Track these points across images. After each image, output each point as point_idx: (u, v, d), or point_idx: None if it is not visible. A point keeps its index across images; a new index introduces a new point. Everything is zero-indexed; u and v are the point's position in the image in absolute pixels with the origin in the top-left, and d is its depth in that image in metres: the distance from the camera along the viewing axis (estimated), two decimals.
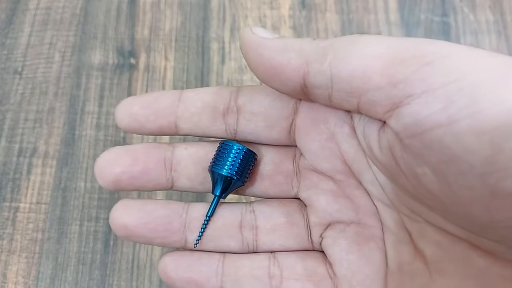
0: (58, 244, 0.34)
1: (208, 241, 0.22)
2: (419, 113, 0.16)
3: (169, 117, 0.21)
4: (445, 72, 0.16)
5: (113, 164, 0.21)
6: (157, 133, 0.22)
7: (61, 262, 0.33)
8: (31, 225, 0.34)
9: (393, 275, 0.20)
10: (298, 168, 0.22)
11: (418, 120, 0.16)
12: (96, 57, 0.39)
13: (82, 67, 0.39)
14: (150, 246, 0.33)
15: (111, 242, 0.33)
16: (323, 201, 0.22)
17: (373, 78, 0.17)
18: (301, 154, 0.22)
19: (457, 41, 0.40)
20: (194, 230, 0.22)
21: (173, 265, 0.21)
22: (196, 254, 0.22)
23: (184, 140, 0.36)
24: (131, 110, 0.21)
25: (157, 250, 0.33)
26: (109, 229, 0.34)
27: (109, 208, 0.34)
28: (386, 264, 0.20)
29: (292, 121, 0.21)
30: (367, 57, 0.17)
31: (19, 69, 0.39)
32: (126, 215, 0.21)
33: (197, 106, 0.21)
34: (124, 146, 0.22)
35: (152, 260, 0.33)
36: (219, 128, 0.22)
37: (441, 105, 0.15)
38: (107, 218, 0.34)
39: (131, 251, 0.33)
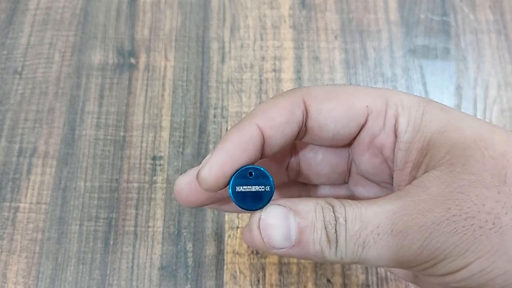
0: (58, 244, 0.34)
1: None
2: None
3: (254, 159, 0.21)
4: None
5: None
6: None
7: (61, 262, 0.33)
8: (31, 225, 0.34)
9: None
10: (349, 170, 0.25)
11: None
12: (96, 57, 0.39)
13: (82, 67, 0.39)
14: (150, 245, 0.33)
15: (111, 242, 0.33)
16: (365, 194, 0.25)
17: None
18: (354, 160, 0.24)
19: (457, 40, 0.40)
20: None
21: None
22: None
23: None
24: (221, 169, 0.20)
25: (156, 249, 0.33)
26: (109, 228, 0.34)
27: (109, 208, 0.34)
28: None
29: (352, 143, 0.23)
30: None
31: (19, 69, 0.39)
32: None
33: (280, 142, 0.21)
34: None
35: (152, 260, 0.33)
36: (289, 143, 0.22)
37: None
38: (107, 218, 0.34)
39: (131, 250, 0.33)
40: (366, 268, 0.33)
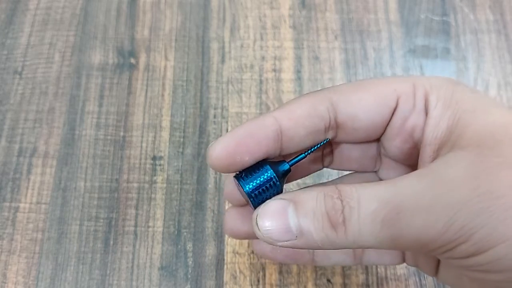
0: (58, 244, 0.34)
1: None
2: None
3: (271, 153, 0.21)
4: None
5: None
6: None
7: (61, 262, 0.33)
8: (31, 225, 0.34)
9: None
10: (380, 155, 0.24)
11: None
12: (96, 57, 0.39)
13: (82, 67, 0.39)
14: (150, 245, 0.33)
15: (111, 242, 0.33)
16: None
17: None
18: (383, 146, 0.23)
19: (457, 40, 0.40)
20: None
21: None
22: None
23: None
24: (227, 150, 0.21)
25: (156, 249, 0.33)
26: (109, 228, 0.34)
27: (109, 208, 0.34)
28: None
29: (384, 131, 0.22)
30: None
31: (19, 69, 0.39)
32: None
33: (300, 135, 0.21)
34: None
35: (152, 260, 0.33)
36: (317, 142, 0.22)
37: None
38: (107, 218, 0.34)
39: (131, 250, 0.33)
40: (366, 268, 0.33)
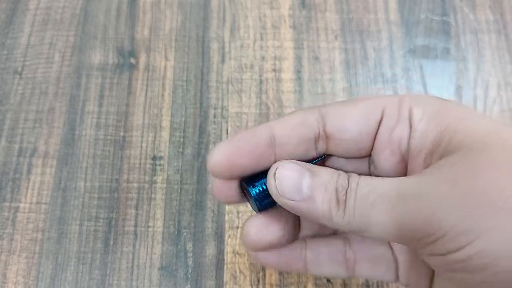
0: (58, 244, 0.34)
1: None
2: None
3: (266, 158, 0.23)
4: None
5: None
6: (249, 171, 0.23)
7: (61, 262, 0.33)
8: (31, 225, 0.34)
9: None
10: (370, 173, 0.25)
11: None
12: (96, 57, 0.39)
13: (82, 67, 0.39)
14: (150, 245, 0.33)
15: (111, 242, 0.33)
16: None
17: None
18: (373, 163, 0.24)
19: (457, 40, 0.40)
20: None
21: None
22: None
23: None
24: (224, 157, 0.22)
25: (156, 249, 0.33)
26: (109, 228, 0.34)
27: (109, 208, 0.34)
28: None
29: (373, 144, 0.23)
30: None
31: (19, 69, 0.39)
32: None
33: (293, 144, 0.23)
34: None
35: (152, 260, 0.33)
36: (311, 153, 0.24)
37: None
38: (107, 218, 0.34)
39: (131, 250, 0.33)
40: None
